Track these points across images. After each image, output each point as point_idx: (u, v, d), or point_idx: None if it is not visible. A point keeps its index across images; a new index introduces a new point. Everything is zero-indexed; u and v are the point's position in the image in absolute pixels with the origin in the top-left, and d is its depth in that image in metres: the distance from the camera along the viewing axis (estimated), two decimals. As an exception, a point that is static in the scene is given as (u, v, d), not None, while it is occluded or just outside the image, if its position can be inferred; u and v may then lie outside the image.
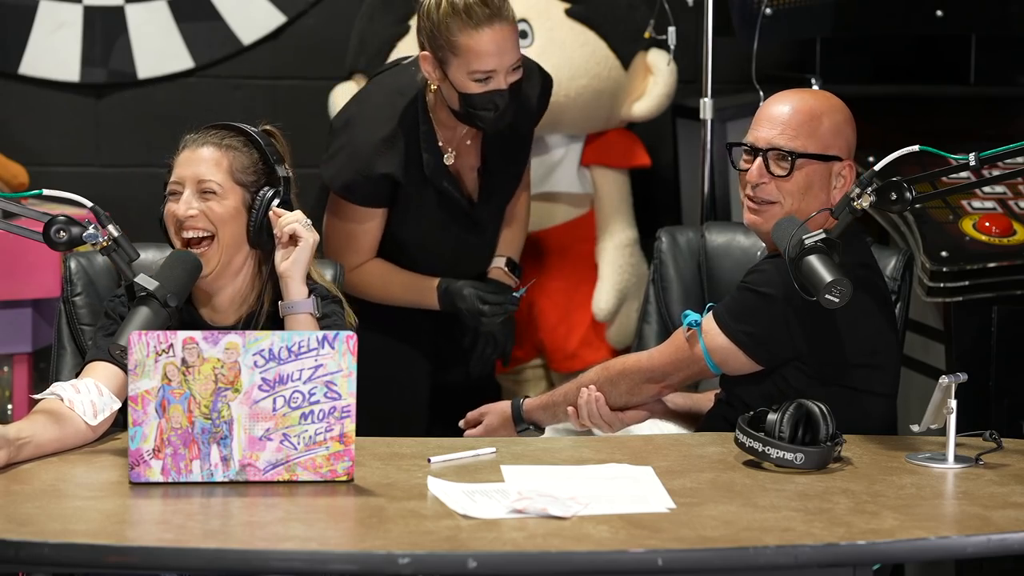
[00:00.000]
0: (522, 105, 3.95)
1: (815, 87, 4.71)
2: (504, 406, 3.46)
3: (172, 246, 3.23)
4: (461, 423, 3.44)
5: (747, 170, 3.26)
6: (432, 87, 3.82)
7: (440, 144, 3.90)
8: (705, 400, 3.45)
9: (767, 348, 3.19)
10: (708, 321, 3.22)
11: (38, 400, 3.00)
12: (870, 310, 3.24)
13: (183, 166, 3.23)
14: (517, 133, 4.01)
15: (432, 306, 3.93)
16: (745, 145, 3.27)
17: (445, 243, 3.97)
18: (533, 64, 4.05)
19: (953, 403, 2.99)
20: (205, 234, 3.19)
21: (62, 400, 2.97)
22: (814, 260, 3.03)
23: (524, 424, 3.43)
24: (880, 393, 3.25)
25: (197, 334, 2.75)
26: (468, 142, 3.95)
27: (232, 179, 3.22)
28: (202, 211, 3.19)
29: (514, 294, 3.86)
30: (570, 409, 3.36)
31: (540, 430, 3.43)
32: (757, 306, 3.19)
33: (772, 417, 2.95)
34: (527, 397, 3.46)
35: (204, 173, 3.20)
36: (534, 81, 4.01)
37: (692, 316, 3.24)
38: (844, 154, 3.24)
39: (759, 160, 3.25)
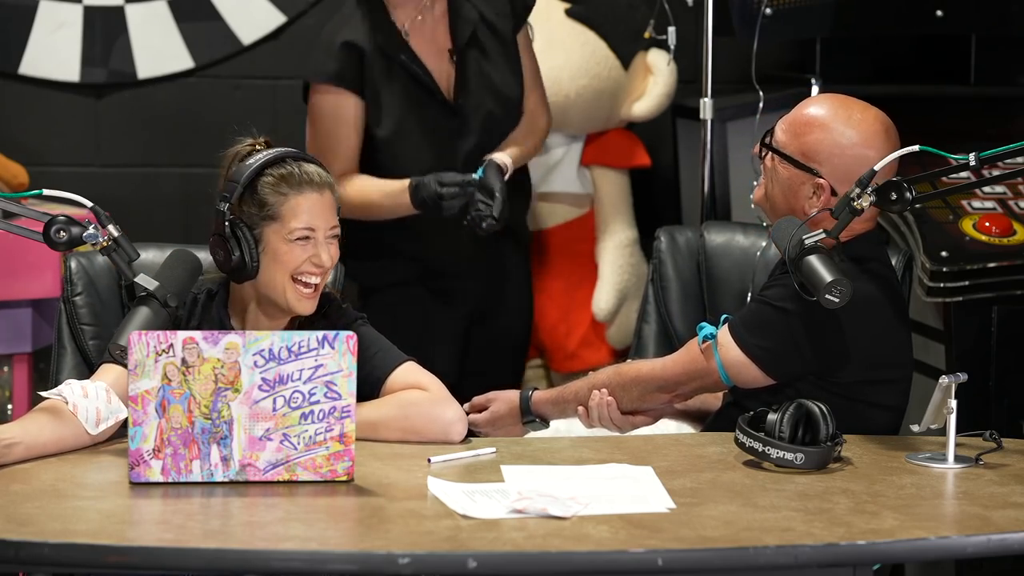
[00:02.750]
0: (495, 4, 4.00)
1: (815, 88, 4.71)
2: (512, 395, 3.45)
3: (235, 275, 3.17)
4: (466, 406, 3.43)
5: None
6: None
7: (395, 21, 3.92)
8: (714, 400, 3.44)
9: (782, 363, 3.17)
10: (724, 334, 3.19)
11: (44, 398, 2.98)
12: (888, 324, 3.22)
13: (313, 214, 3.14)
14: (495, 31, 4.01)
15: (408, 208, 3.90)
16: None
17: (426, 145, 3.93)
18: None
19: (953, 403, 2.99)
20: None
21: (67, 403, 2.96)
22: (814, 260, 3.03)
23: (531, 416, 3.42)
24: (891, 407, 3.25)
25: (197, 334, 2.75)
26: (432, 21, 3.97)
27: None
28: (331, 256, 3.17)
29: (472, 176, 3.82)
30: (580, 409, 3.36)
31: (546, 423, 3.43)
32: (773, 320, 3.17)
33: (772, 417, 2.95)
34: (536, 389, 3.46)
35: (333, 219, 3.17)
36: None
37: (708, 329, 3.22)
38: (825, 171, 3.18)
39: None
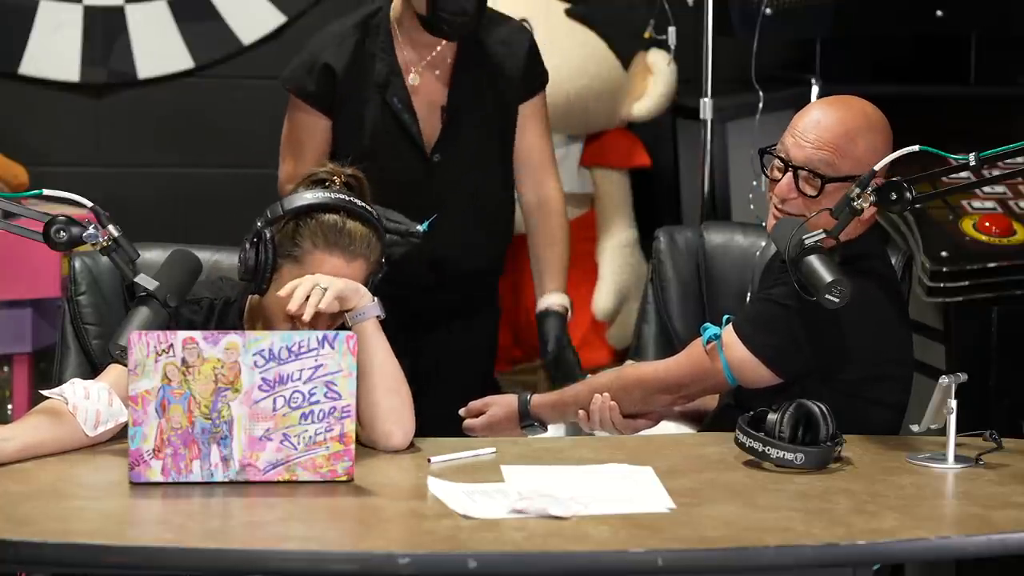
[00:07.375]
0: (501, 67, 3.92)
1: (815, 88, 4.72)
2: (510, 399, 3.43)
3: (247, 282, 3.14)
4: (462, 411, 3.41)
5: (777, 180, 3.19)
6: None
7: (399, 61, 3.90)
8: (711, 400, 3.43)
9: (789, 360, 3.16)
10: (728, 334, 3.17)
11: (46, 397, 2.98)
12: (889, 321, 3.22)
13: (329, 273, 3.07)
14: (500, 97, 3.95)
15: None
16: (777, 155, 3.20)
17: (392, 187, 3.73)
18: (515, 25, 4.01)
19: (953, 403, 2.99)
20: None
21: (67, 403, 2.96)
22: (814, 260, 3.03)
23: (529, 420, 3.41)
24: (892, 404, 3.24)
25: (197, 334, 2.75)
26: (436, 72, 3.93)
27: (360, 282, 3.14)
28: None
29: (418, 227, 3.76)
30: (581, 413, 3.34)
31: (544, 428, 3.42)
32: (779, 317, 3.16)
33: (772, 417, 2.95)
34: (534, 393, 3.45)
35: None
36: (515, 45, 3.96)
37: (712, 330, 3.19)
38: (880, 168, 3.15)
39: (789, 176, 3.18)
